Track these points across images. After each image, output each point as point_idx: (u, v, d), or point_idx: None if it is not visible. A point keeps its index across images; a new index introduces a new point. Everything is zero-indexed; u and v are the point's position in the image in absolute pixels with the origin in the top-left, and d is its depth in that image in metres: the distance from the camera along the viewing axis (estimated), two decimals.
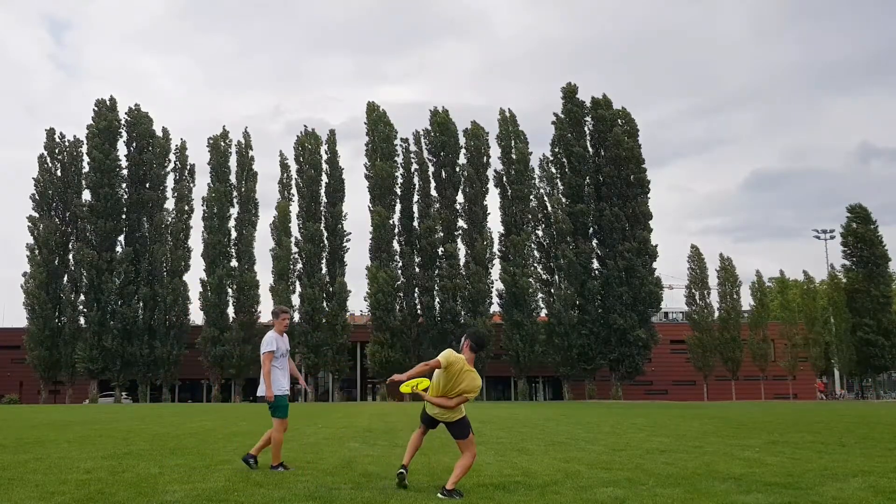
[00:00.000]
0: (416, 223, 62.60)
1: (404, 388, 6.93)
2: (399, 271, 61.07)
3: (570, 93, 64.37)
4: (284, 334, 8.92)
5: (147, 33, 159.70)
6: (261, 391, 8.54)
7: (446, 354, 6.82)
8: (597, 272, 61.37)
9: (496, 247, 61.48)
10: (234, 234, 63.54)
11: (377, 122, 63.65)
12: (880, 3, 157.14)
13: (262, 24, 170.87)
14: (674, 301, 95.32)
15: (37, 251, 61.00)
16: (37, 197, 62.53)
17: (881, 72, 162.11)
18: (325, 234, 62.84)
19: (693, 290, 66.19)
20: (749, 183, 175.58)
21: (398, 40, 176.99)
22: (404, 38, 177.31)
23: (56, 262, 61.46)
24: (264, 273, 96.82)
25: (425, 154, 64.05)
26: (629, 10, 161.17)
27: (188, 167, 65.12)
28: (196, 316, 63.61)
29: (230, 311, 62.06)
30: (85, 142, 63.80)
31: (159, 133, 65.23)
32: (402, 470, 6.83)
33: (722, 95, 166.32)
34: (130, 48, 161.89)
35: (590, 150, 63.37)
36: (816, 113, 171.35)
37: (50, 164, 63.54)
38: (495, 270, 61.00)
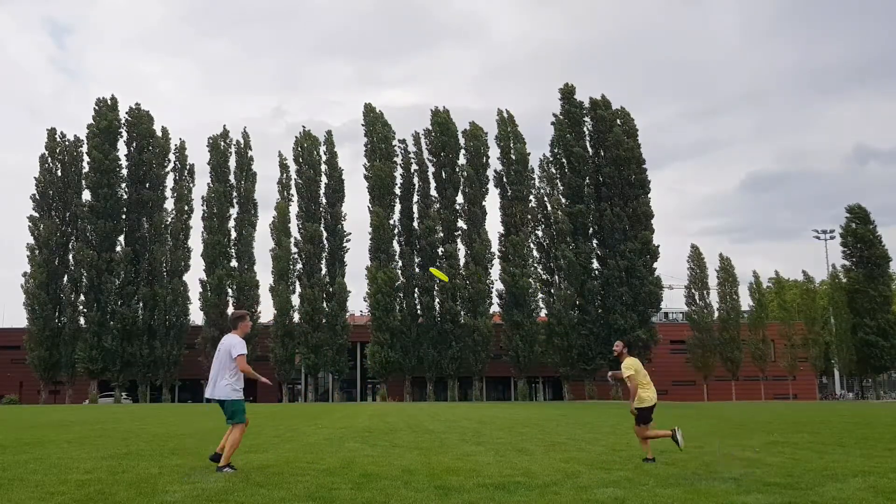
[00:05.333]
0: (415, 223, 62.63)
1: None
2: (399, 271, 61.07)
3: (567, 93, 64.35)
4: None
5: (148, 37, 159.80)
6: (227, 393, 8.92)
7: (626, 365, 8.94)
8: (597, 272, 61.35)
9: (496, 247, 61.52)
10: (233, 235, 63.56)
11: (375, 122, 63.71)
12: (874, 8, 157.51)
13: (264, 29, 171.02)
14: (674, 301, 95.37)
15: (37, 251, 60.99)
16: (37, 197, 62.54)
17: (875, 75, 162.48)
18: (325, 234, 62.87)
19: (693, 291, 66.19)
20: (746, 185, 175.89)
21: (398, 45, 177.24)
22: (404, 43, 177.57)
23: (56, 262, 61.46)
24: (264, 273, 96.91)
25: (425, 154, 64.09)
26: (626, 16, 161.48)
27: (188, 167, 65.18)
28: (196, 316, 63.70)
29: (230, 311, 61.98)
30: (85, 141, 63.80)
31: (159, 133, 65.23)
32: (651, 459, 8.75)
33: (718, 99, 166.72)
34: (132, 52, 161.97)
35: (589, 150, 63.38)
36: (811, 116, 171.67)
37: (50, 164, 63.55)
38: (495, 270, 61.11)
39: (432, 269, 8.66)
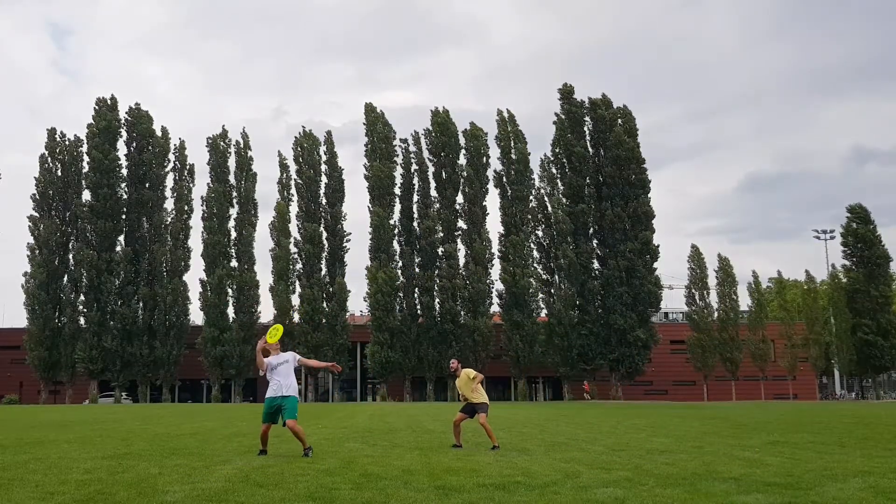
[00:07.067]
0: (415, 223, 62.60)
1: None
2: (399, 271, 61.05)
3: (566, 93, 64.24)
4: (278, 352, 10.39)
5: (149, 39, 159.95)
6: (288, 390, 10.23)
7: (471, 370, 11.49)
8: (597, 272, 61.28)
9: (496, 247, 61.47)
10: (233, 235, 63.52)
11: (375, 122, 63.68)
12: (874, 8, 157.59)
13: (264, 30, 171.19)
14: (674, 301, 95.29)
15: (37, 251, 60.99)
16: (37, 197, 62.54)
17: (874, 75, 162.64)
18: (325, 234, 62.85)
19: (693, 291, 66.09)
20: (744, 185, 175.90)
21: (398, 46, 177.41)
22: (404, 44, 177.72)
23: (56, 262, 61.45)
24: (264, 273, 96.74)
25: (425, 154, 64.05)
26: (626, 16, 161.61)
27: (188, 167, 65.11)
28: (196, 316, 63.65)
29: (230, 311, 62.02)
30: (85, 141, 63.80)
31: (159, 133, 65.19)
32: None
33: (717, 99, 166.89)
34: (132, 53, 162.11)
35: (590, 150, 63.29)
36: (810, 116, 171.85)
37: (50, 164, 63.55)
38: (495, 270, 61.08)
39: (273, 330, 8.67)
